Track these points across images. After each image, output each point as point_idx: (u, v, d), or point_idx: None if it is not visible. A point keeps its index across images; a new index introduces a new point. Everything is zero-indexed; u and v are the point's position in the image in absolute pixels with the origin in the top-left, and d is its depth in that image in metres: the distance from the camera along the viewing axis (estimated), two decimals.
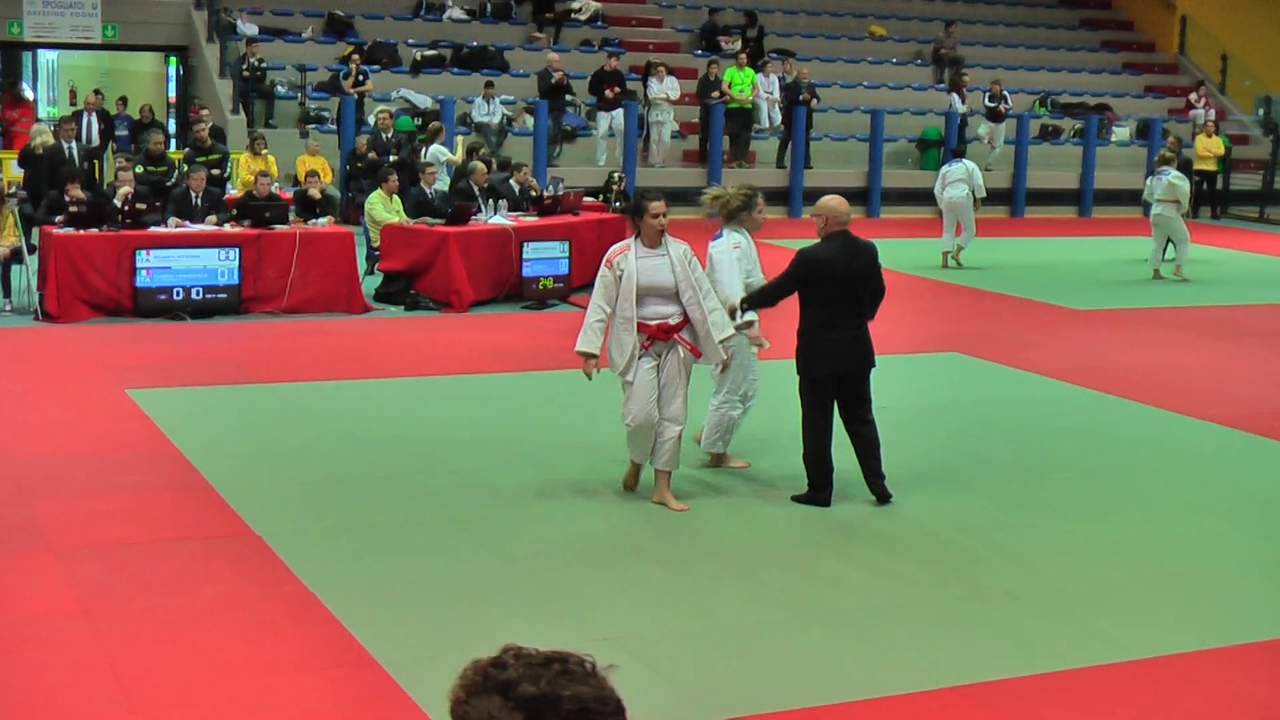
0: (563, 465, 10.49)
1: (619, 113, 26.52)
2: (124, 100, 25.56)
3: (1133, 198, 31.38)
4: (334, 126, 25.20)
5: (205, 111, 22.82)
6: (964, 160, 22.20)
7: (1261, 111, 35.32)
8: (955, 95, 30.12)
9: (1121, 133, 32.33)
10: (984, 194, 22.03)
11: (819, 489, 9.63)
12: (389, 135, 22.69)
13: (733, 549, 8.88)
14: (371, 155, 21.85)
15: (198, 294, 15.58)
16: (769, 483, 10.15)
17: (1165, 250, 21.07)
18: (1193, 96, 33.64)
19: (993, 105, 29.86)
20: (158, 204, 16.38)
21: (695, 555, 8.75)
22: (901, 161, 29.57)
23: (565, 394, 12.49)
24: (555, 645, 2.60)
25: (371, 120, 23.61)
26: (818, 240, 9.54)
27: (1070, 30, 36.47)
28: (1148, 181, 21.85)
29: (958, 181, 21.69)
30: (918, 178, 28.54)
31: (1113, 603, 8.15)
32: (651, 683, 6.87)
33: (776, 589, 8.19)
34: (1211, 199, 30.63)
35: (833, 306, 9.33)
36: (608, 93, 26.53)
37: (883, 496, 9.67)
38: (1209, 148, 29.86)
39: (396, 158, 21.20)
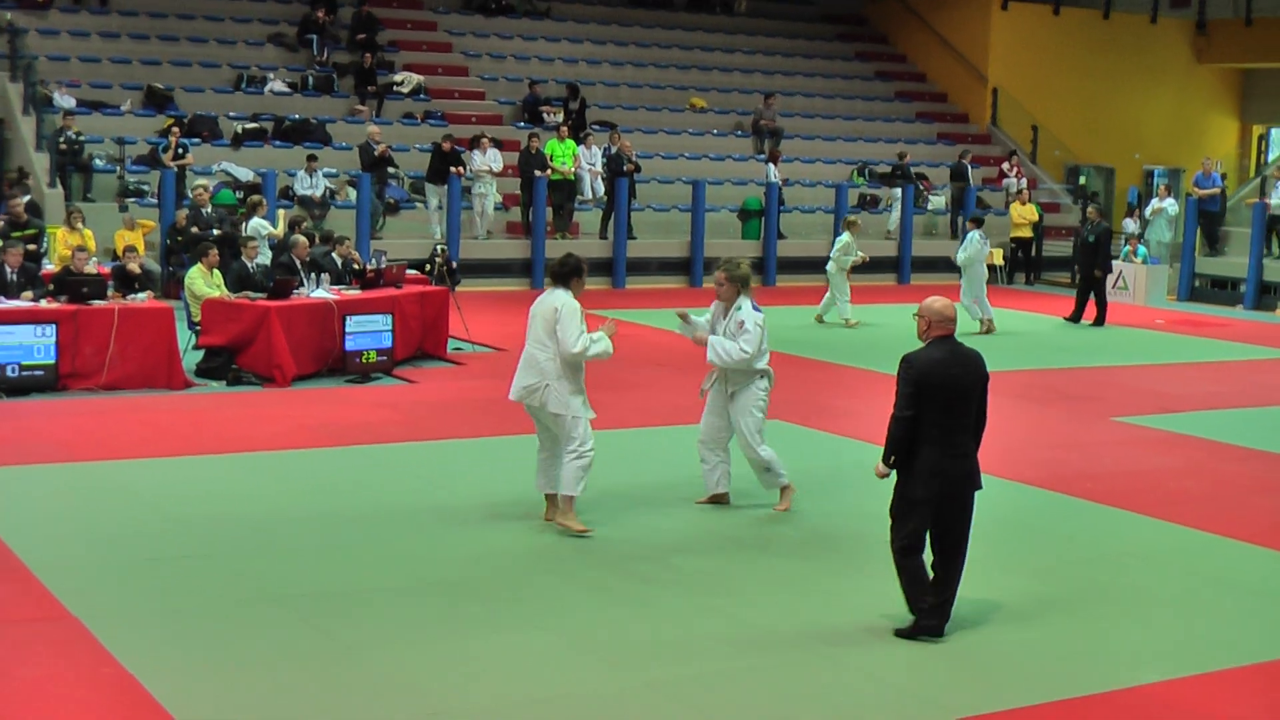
0: (387, 540, 10.48)
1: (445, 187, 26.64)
2: None
3: (949, 265, 32.21)
4: (154, 200, 24.96)
5: (25, 182, 22.47)
6: (971, 233, 23.47)
7: (1080, 179, 36.40)
8: (771, 166, 30.65)
9: (937, 201, 33.13)
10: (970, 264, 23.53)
11: (926, 614, 8.63)
12: (209, 210, 22.53)
13: (565, 603, 8.95)
14: (194, 230, 21.66)
15: (13, 371, 15.33)
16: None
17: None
18: (1005, 166, 34.65)
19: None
20: None
21: (526, 624, 8.78)
22: (723, 231, 29.96)
23: (389, 468, 12.54)
24: None
25: (191, 194, 23.44)
26: (920, 345, 8.82)
27: (886, 102, 37.34)
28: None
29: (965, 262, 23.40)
30: (739, 247, 28.97)
31: (912, 660, 8.34)
32: None
33: (621, 653, 8.27)
34: (1027, 265, 31.52)
35: (938, 419, 8.47)
36: (456, 170, 26.59)
37: (934, 629, 8.66)
38: (1024, 215, 30.79)
39: (220, 232, 21.03)
